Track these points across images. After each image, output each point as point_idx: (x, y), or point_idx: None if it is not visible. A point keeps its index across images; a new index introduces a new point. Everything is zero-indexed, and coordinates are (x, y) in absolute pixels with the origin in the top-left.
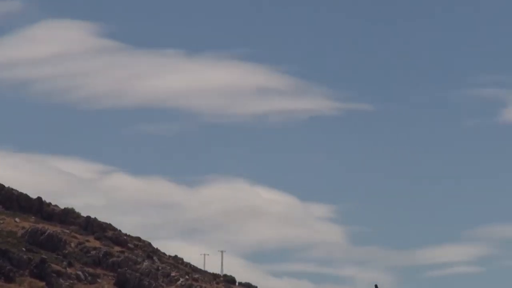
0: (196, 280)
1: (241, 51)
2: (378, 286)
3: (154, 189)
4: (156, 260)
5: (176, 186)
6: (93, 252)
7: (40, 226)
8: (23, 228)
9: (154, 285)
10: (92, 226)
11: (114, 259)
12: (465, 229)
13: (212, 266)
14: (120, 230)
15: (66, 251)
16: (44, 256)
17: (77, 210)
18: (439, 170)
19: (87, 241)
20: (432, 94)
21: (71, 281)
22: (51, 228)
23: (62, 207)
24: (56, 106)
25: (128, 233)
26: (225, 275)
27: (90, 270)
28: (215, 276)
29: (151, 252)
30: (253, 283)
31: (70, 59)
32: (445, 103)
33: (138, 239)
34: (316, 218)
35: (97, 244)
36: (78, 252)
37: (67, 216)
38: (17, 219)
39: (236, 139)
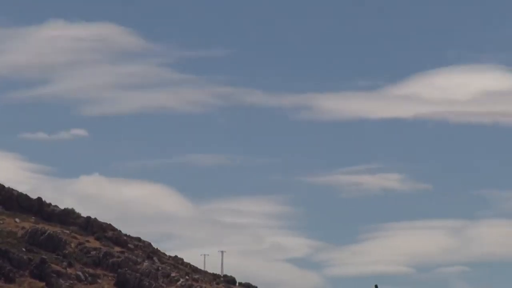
0: (196, 280)
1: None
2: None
3: None
4: (156, 260)
5: None
6: (93, 253)
7: (40, 226)
8: (23, 228)
9: (154, 285)
10: (92, 226)
11: (114, 259)
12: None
13: (212, 266)
14: (120, 231)
15: (66, 252)
16: (44, 257)
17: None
18: None
19: (87, 241)
20: None
21: (71, 282)
22: (51, 229)
23: (62, 207)
24: None
25: (128, 234)
26: (225, 276)
27: (90, 270)
28: (215, 276)
29: (151, 252)
30: (253, 283)
31: None
32: None
33: (138, 239)
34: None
35: (97, 244)
36: (78, 253)
37: (67, 217)
38: (17, 220)
39: None
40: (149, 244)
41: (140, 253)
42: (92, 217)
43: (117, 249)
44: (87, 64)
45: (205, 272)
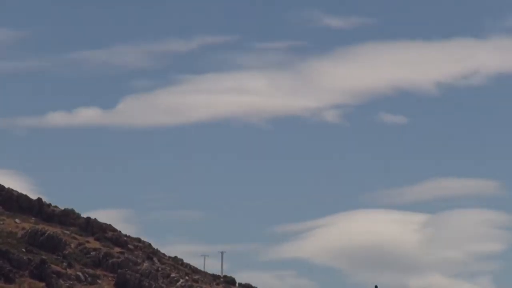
0: (196, 281)
1: None
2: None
3: None
4: (156, 261)
5: None
6: (93, 253)
7: (40, 227)
8: (23, 229)
9: (154, 286)
10: (92, 227)
11: (114, 260)
12: None
13: (212, 267)
14: (120, 231)
15: (66, 252)
16: (44, 257)
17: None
18: None
19: (87, 242)
20: None
21: (71, 282)
22: (51, 229)
23: (62, 208)
24: None
25: (128, 234)
26: (225, 276)
27: (90, 271)
28: (215, 277)
29: (151, 253)
30: (253, 284)
31: None
32: None
33: (138, 240)
34: None
35: (97, 245)
36: (78, 253)
37: (67, 217)
38: (17, 220)
39: None
40: (149, 244)
41: (140, 254)
42: (92, 217)
43: (117, 249)
44: None
45: (205, 273)
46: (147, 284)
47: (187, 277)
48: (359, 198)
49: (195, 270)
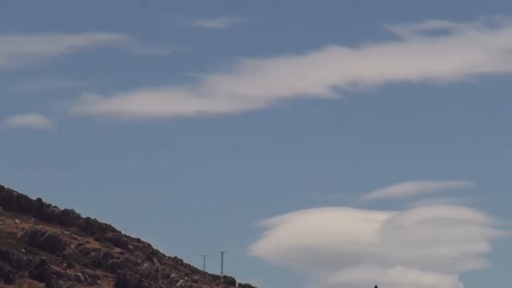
0: (196, 281)
1: None
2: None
3: None
4: (156, 261)
5: None
6: (93, 254)
7: (40, 227)
8: (23, 229)
9: (154, 286)
10: (92, 227)
11: (114, 260)
12: None
13: (212, 267)
14: (120, 231)
15: (66, 252)
16: (44, 257)
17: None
18: None
19: (87, 242)
20: None
21: (71, 283)
22: (51, 229)
23: (62, 208)
24: None
25: (128, 234)
26: (225, 276)
27: (90, 271)
28: (215, 277)
29: (151, 253)
30: (253, 285)
31: None
32: None
33: (138, 240)
34: None
35: (97, 245)
36: (78, 253)
37: (67, 217)
38: (17, 220)
39: None
40: (149, 245)
41: (140, 254)
42: (92, 218)
43: (117, 250)
44: None
45: (205, 273)
46: (147, 284)
47: (187, 278)
48: (313, 197)
49: (195, 270)
